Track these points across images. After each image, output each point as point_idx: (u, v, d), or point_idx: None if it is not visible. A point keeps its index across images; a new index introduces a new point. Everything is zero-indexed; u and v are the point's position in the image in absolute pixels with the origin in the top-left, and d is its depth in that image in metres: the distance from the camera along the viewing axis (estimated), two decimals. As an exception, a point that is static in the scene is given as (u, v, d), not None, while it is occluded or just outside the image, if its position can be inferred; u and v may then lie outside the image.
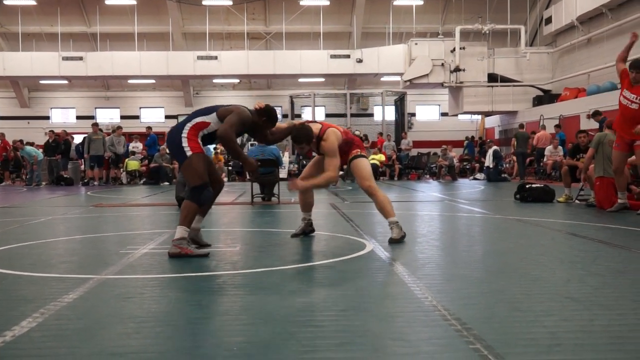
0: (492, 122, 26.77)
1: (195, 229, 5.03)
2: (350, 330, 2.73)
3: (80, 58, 23.83)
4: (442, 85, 23.70)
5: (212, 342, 2.62)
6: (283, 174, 17.87)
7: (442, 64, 23.17)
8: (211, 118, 4.90)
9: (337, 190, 13.60)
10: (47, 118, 29.03)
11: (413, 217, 7.90)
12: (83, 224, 7.65)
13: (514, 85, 23.43)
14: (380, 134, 23.30)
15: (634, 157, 8.14)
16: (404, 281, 3.77)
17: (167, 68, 24.02)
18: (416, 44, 23.30)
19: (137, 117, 29.13)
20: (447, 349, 2.48)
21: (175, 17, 25.71)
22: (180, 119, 21.80)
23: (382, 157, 20.28)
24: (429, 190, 13.76)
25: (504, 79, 23.30)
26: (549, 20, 23.14)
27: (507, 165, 20.81)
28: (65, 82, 26.76)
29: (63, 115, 29.37)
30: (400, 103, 26.20)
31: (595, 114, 13.61)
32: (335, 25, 26.76)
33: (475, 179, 19.83)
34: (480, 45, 23.55)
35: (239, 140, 9.87)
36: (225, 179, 19.03)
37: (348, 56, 23.96)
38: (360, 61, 23.73)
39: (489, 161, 18.66)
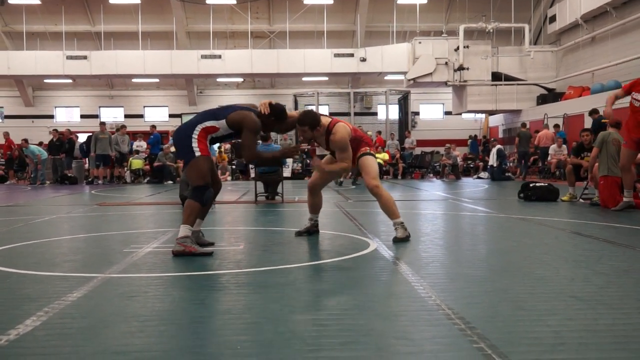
0: (496, 120, 26.72)
1: (195, 232, 5.03)
2: (354, 329, 2.73)
3: (85, 57, 23.88)
4: (445, 84, 23.66)
5: (216, 340, 2.62)
6: (287, 173, 17.88)
7: (446, 63, 23.14)
8: (220, 124, 4.90)
9: (341, 189, 13.60)
10: (52, 117, 29.10)
11: (417, 216, 7.89)
12: (87, 223, 7.67)
13: (518, 84, 23.38)
14: (379, 132, 23.23)
15: None
16: (407, 280, 3.77)
17: (171, 67, 24.04)
18: (420, 42, 23.27)
19: (141, 116, 29.17)
20: (451, 348, 2.48)
21: (179, 16, 25.73)
22: (185, 118, 21.79)
23: (385, 156, 20.27)
24: (433, 189, 13.75)
25: (508, 78, 23.26)
26: (553, 19, 23.09)
27: (511, 164, 20.78)
28: (70, 81, 26.81)
29: (67, 114, 29.43)
30: (403, 102, 26.18)
31: (592, 112, 13.59)
32: (339, 24, 26.74)
33: (479, 177, 19.80)
34: (484, 43, 23.50)
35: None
36: (229, 178, 19.05)
37: (352, 55, 23.94)
38: (363, 60, 23.71)
39: (492, 160, 18.64)
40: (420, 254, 4.81)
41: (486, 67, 23.07)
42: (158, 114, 29.23)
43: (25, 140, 19.21)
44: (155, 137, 20.06)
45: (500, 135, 25.85)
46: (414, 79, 23.29)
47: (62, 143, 18.71)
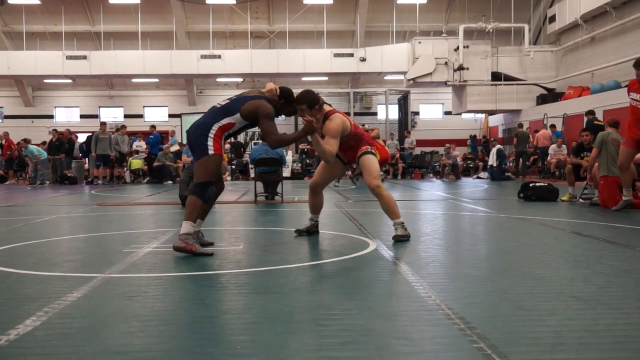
0: (496, 120, 26.73)
1: (195, 232, 5.03)
2: (354, 329, 2.73)
3: (84, 57, 23.88)
4: (445, 83, 23.66)
5: (216, 341, 2.62)
6: (286, 173, 17.88)
7: (446, 63, 23.14)
8: (235, 119, 4.91)
9: (341, 189, 13.59)
10: (51, 117, 29.09)
11: (417, 216, 7.89)
12: (87, 223, 7.67)
13: (518, 84, 23.38)
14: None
15: (639, 155, 8.14)
16: (407, 280, 3.77)
17: (170, 67, 24.04)
18: (420, 42, 23.27)
19: (140, 116, 29.16)
20: (451, 347, 2.48)
21: (179, 16, 25.73)
22: (184, 118, 21.69)
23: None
24: (433, 189, 13.75)
25: (508, 78, 23.26)
26: (552, 19, 23.09)
27: (511, 164, 20.81)
28: (69, 81, 26.81)
29: (67, 114, 29.43)
30: (403, 102, 26.18)
31: (588, 113, 13.62)
32: (339, 24, 26.73)
33: (478, 177, 19.80)
34: (484, 43, 23.50)
35: (241, 137, 9.77)
36: (229, 178, 19.05)
37: (351, 55, 23.94)
38: (363, 60, 23.71)
39: (492, 160, 18.64)
40: (420, 254, 4.81)
41: (486, 67, 23.07)
42: (158, 114, 29.23)
43: (25, 140, 19.21)
44: (154, 138, 20.05)
45: (500, 135, 25.86)
46: (413, 79, 23.29)
47: (61, 143, 18.71)
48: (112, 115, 29.11)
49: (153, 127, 21.34)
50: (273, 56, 24.12)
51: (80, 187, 16.35)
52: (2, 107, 29.24)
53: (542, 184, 10.30)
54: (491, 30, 23.25)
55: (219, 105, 5.05)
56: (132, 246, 5.26)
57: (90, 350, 2.49)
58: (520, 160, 18.80)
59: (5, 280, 3.92)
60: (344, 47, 25.47)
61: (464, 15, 24.55)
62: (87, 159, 18.95)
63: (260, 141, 10.70)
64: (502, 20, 23.23)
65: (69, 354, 2.44)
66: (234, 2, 24.83)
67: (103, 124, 18.73)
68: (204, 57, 23.95)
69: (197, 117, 5.25)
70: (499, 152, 18.49)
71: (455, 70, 23.06)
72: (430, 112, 29.49)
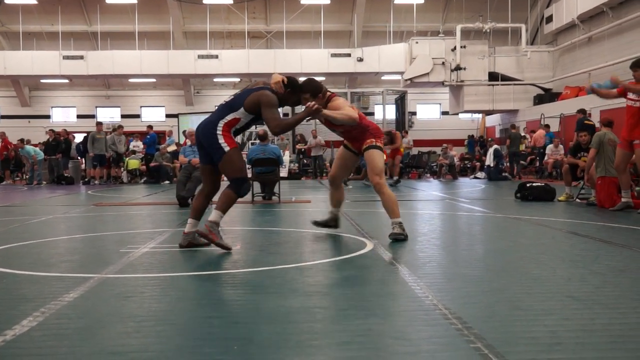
0: (493, 120, 26.76)
1: (191, 233, 5.03)
2: (351, 330, 2.73)
3: (81, 57, 23.85)
4: (442, 84, 23.69)
5: (213, 341, 2.62)
6: (284, 173, 17.87)
7: (443, 63, 23.16)
8: (240, 113, 4.91)
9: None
10: (48, 117, 29.05)
11: (414, 216, 7.89)
12: (83, 223, 7.65)
13: (515, 84, 23.42)
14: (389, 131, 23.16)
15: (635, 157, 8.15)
16: (404, 280, 3.77)
17: (167, 67, 24.03)
18: (417, 42, 23.29)
19: (137, 116, 29.14)
20: (448, 347, 2.48)
21: (176, 16, 25.70)
22: (181, 118, 21.61)
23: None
24: (430, 189, 13.76)
25: (505, 78, 23.29)
26: (549, 19, 23.13)
27: (507, 164, 20.84)
28: (66, 81, 26.78)
29: (64, 114, 29.39)
30: (401, 102, 26.19)
31: (578, 111, 13.65)
32: (336, 24, 26.74)
33: (476, 177, 19.82)
34: (481, 43, 23.53)
35: (239, 139, 9.77)
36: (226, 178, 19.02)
37: (349, 55, 23.95)
38: (361, 60, 23.72)
39: (489, 160, 18.66)
40: (417, 254, 4.81)
41: (483, 67, 23.10)
42: (155, 114, 29.21)
43: (21, 141, 19.17)
44: (151, 137, 20.03)
45: (497, 135, 25.90)
46: (411, 79, 23.31)
47: (58, 143, 18.67)
48: (109, 115, 29.07)
49: (150, 127, 21.31)
50: (270, 56, 24.11)
51: (77, 188, 16.33)
52: (-2, 107, 29.21)
53: (539, 184, 10.31)
54: (488, 31, 23.28)
55: (225, 102, 5.06)
56: (129, 246, 5.25)
57: (87, 350, 2.48)
58: (514, 161, 18.90)
59: (2, 280, 3.91)
60: (341, 47, 25.48)
61: (461, 15, 24.58)
62: (83, 159, 18.90)
63: (257, 141, 10.69)
64: (499, 21, 23.26)
65: (65, 355, 2.43)
66: (231, 2, 24.82)
67: (99, 123, 18.69)
68: (201, 57, 23.93)
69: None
70: (496, 152, 18.51)
71: (452, 71, 23.09)
72: (428, 112, 29.51)
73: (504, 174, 18.60)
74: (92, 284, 3.72)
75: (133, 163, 19.19)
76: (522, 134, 21.12)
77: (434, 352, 2.42)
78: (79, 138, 20.11)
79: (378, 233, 5.91)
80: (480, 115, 27.87)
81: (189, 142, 10.60)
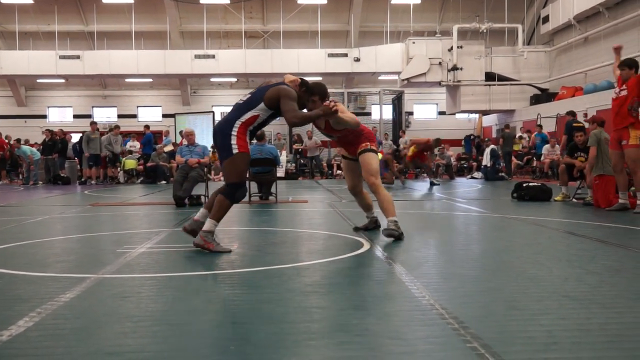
0: (490, 120, 26.78)
1: (199, 222, 5.06)
2: (348, 330, 2.73)
3: (78, 57, 23.80)
4: (439, 84, 23.70)
5: (209, 341, 2.62)
6: (281, 173, 17.87)
7: (440, 63, 23.17)
8: (260, 109, 4.90)
9: (336, 189, 13.60)
10: (44, 117, 28.97)
11: (411, 216, 7.89)
12: (80, 223, 7.64)
13: (512, 84, 23.44)
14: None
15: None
16: (401, 280, 3.77)
17: (164, 67, 23.99)
18: (414, 42, 23.30)
19: (134, 116, 29.08)
20: (445, 347, 2.48)
21: (173, 16, 25.67)
22: (178, 118, 21.54)
23: (379, 156, 20.26)
24: (426, 189, 13.77)
25: (502, 78, 23.32)
26: (546, 19, 23.17)
27: (502, 164, 20.89)
28: (62, 80, 26.71)
29: (60, 114, 29.31)
30: (397, 102, 26.20)
31: (568, 114, 13.71)
32: (333, 24, 26.74)
33: (472, 177, 19.84)
34: (477, 44, 23.56)
35: None
36: (222, 178, 19.02)
37: (346, 55, 23.96)
38: (357, 60, 23.72)
39: (486, 160, 18.68)
40: (414, 254, 4.81)
41: (480, 67, 23.13)
42: (151, 114, 29.15)
43: (17, 141, 19.11)
44: (147, 137, 20.01)
45: (494, 135, 25.90)
46: (407, 79, 23.31)
47: (54, 143, 18.64)
48: (105, 115, 29.02)
49: (147, 127, 21.29)
50: (267, 56, 24.10)
51: (73, 188, 16.30)
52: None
53: (535, 184, 10.33)
54: (485, 31, 23.30)
55: (241, 101, 5.04)
56: (126, 246, 5.24)
57: (83, 351, 2.48)
58: (508, 161, 18.99)
59: (-2, 281, 3.90)
60: (338, 47, 25.48)
61: (458, 15, 24.60)
62: (79, 159, 18.84)
63: (254, 141, 10.68)
64: (495, 21, 23.29)
65: (61, 355, 2.43)
66: (228, 2, 24.79)
67: (93, 123, 18.65)
68: (197, 57, 23.91)
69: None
70: (492, 152, 18.54)
71: (449, 71, 23.10)
72: (424, 112, 29.52)
73: (500, 174, 18.63)
74: (88, 284, 3.72)
75: (130, 163, 19.16)
76: (519, 134, 21.18)
77: (430, 352, 2.43)
78: (75, 138, 20.08)
79: (375, 233, 5.91)
80: (476, 115, 27.90)
81: (185, 142, 10.59)
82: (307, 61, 23.67)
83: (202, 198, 9.84)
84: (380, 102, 25.36)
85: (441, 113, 28.48)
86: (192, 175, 9.71)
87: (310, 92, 5.27)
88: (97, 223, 7.63)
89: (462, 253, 4.99)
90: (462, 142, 25.65)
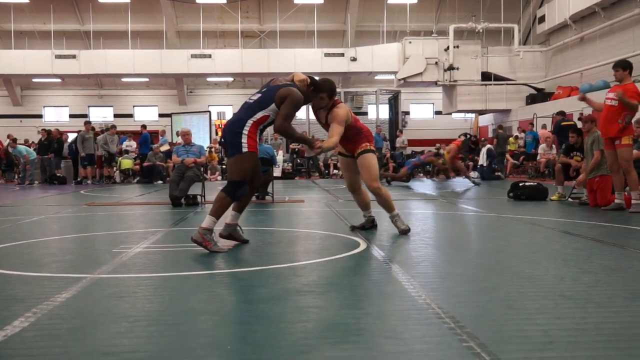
0: (486, 120, 26.83)
1: (232, 225, 5.13)
2: (344, 329, 2.73)
3: (74, 56, 23.76)
4: (436, 83, 23.73)
5: (206, 341, 2.61)
6: (277, 172, 17.85)
7: (436, 63, 23.21)
8: (270, 110, 4.91)
9: (332, 189, 13.60)
10: (40, 116, 28.91)
11: (407, 215, 7.89)
12: (76, 223, 7.62)
13: (508, 84, 23.49)
14: (439, 147, 23.07)
15: (637, 152, 8.19)
16: (398, 279, 3.77)
17: (160, 66, 23.97)
18: (410, 42, 23.33)
19: (130, 116, 29.05)
20: (441, 347, 2.48)
21: (169, 15, 25.64)
22: (174, 117, 21.45)
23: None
24: (423, 189, 13.78)
25: (498, 78, 23.37)
26: (542, 19, 23.23)
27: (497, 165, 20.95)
28: (58, 80, 26.67)
29: (56, 114, 29.26)
30: (394, 101, 26.23)
31: (558, 114, 13.76)
32: (329, 24, 26.75)
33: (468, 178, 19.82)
34: (473, 43, 23.60)
35: None
36: (219, 177, 19.00)
37: (342, 55, 23.97)
38: (354, 59, 23.74)
39: (482, 159, 18.71)
40: (410, 254, 4.82)
41: (476, 67, 23.17)
42: (148, 114, 29.12)
43: (13, 140, 19.05)
44: (143, 137, 19.96)
45: (490, 134, 25.94)
46: (404, 79, 23.34)
47: (50, 143, 18.59)
48: (101, 114, 28.98)
49: (144, 127, 21.26)
50: (264, 56, 24.10)
51: (69, 187, 16.26)
52: (-10, 107, 29.04)
53: (531, 183, 10.35)
54: (481, 31, 23.35)
55: (251, 101, 5.04)
56: (122, 246, 5.23)
57: (79, 351, 2.47)
58: (501, 161, 19.13)
59: (-7, 281, 3.88)
60: (334, 46, 25.49)
61: (454, 15, 24.64)
62: (73, 159, 18.76)
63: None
64: (492, 21, 23.34)
65: (57, 355, 2.42)
66: (225, 1, 24.78)
67: (87, 123, 18.61)
68: (194, 56, 23.89)
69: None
70: (489, 151, 18.56)
71: (445, 70, 23.14)
72: (421, 111, 29.56)
73: (496, 174, 18.66)
74: (84, 284, 3.71)
75: (126, 163, 19.13)
76: (515, 134, 21.23)
77: (427, 351, 2.43)
78: (71, 138, 20.03)
79: (371, 233, 5.91)
80: (473, 115, 27.94)
81: (182, 142, 10.57)
82: (304, 61, 23.67)
83: (199, 198, 9.82)
84: (377, 101, 25.39)
85: (437, 113, 28.53)
86: (188, 175, 9.70)
87: (318, 90, 5.30)
88: (93, 223, 7.61)
89: (459, 252, 5.00)
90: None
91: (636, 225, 6.40)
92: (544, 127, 19.61)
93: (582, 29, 20.80)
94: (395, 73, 23.88)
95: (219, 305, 3.27)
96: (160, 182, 17.45)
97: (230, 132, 4.90)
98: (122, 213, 8.74)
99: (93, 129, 18.69)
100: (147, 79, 27.67)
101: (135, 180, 18.61)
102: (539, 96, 22.58)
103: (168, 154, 17.43)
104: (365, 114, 27.98)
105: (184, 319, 2.96)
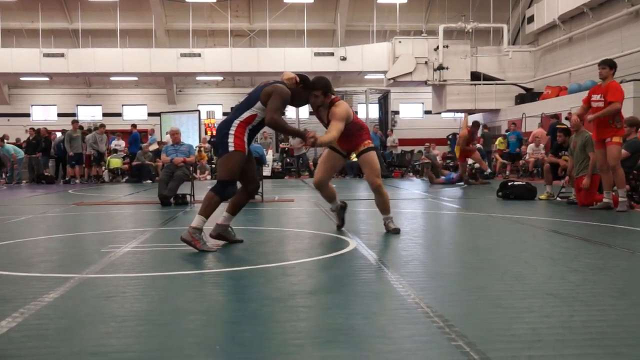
0: (475, 120, 26.91)
1: (223, 225, 5.13)
2: (333, 329, 2.73)
3: (62, 55, 23.58)
4: (425, 83, 23.79)
5: (194, 341, 2.61)
6: (267, 172, 17.84)
7: (426, 62, 23.26)
8: (257, 108, 4.93)
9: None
10: (28, 115, 28.69)
11: (396, 214, 7.91)
12: (64, 223, 7.58)
13: (497, 84, 23.59)
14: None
15: (625, 152, 8.26)
16: (387, 279, 3.78)
17: (149, 65, 23.85)
18: (400, 42, 23.37)
19: (119, 115, 28.88)
20: (430, 346, 2.49)
21: (159, 14, 25.52)
22: (164, 116, 21.42)
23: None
24: (412, 188, 13.81)
25: (487, 77, 23.46)
26: (531, 19, 23.35)
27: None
28: (46, 79, 26.46)
29: (44, 113, 29.03)
30: (384, 101, 26.25)
31: (552, 117, 13.84)
32: (319, 23, 26.73)
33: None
34: (463, 43, 23.67)
35: None
36: (209, 177, 18.95)
37: (332, 54, 23.97)
38: (344, 59, 23.74)
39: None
40: (399, 253, 4.83)
41: (465, 66, 23.24)
42: (137, 113, 28.96)
43: (1, 139, 18.90)
44: (133, 136, 19.87)
45: (479, 134, 26.05)
46: (394, 78, 23.38)
47: (38, 142, 18.46)
48: (90, 113, 28.79)
49: (134, 126, 21.16)
50: (253, 55, 24.04)
51: (57, 187, 16.15)
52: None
53: (520, 182, 10.40)
54: (470, 30, 23.43)
55: (240, 102, 5.11)
56: (110, 246, 5.20)
57: (67, 351, 2.46)
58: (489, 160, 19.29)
59: (-20, 281, 3.85)
60: (324, 46, 25.48)
61: (444, 15, 24.71)
62: (60, 158, 18.62)
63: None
64: (481, 21, 23.43)
65: (45, 355, 2.41)
66: (214, 0, 24.70)
67: (75, 122, 18.50)
68: (183, 55, 23.80)
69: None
70: (479, 151, 18.62)
71: (435, 70, 23.20)
72: (411, 111, 29.62)
73: (485, 173, 18.71)
74: (72, 284, 3.69)
75: (115, 162, 19.03)
76: (504, 133, 21.32)
77: (415, 351, 2.43)
78: (60, 137, 19.90)
79: (360, 232, 5.92)
80: (462, 115, 28.02)
81: (171, 141, 10.54)
82: (294, 60, 23.63)
83: (188, 197, 9.79)
84: (367, 101, 25.38)
85: (427, 112, 28.60)
86: (177, 174, 9.66)
87: (312, 87, 5.30)
88: (81, 222, 7.57)
89: (448, 252, 5.02)
90: (448, 141, 25.74)
91: (623, 225, 6.45)
92: (540, 126, 19.73)
93: (571, 29, 20.93)
94: (385, 72, 23.92)
95: (207, 305, 3.26)
96: (149, 181, 17.39)
97: (220, 133, 4.96)
98: (110, 212, 8.70)
99: (81, 127, 18.58)
100: (136, 78, 27.53)
101: (124, 180, 18.53)
102: (528, 96, 22.69)
103: (157, 153, 17.36)
104: (355, 113, 27.97)
105: (173, 318, 2.96)
